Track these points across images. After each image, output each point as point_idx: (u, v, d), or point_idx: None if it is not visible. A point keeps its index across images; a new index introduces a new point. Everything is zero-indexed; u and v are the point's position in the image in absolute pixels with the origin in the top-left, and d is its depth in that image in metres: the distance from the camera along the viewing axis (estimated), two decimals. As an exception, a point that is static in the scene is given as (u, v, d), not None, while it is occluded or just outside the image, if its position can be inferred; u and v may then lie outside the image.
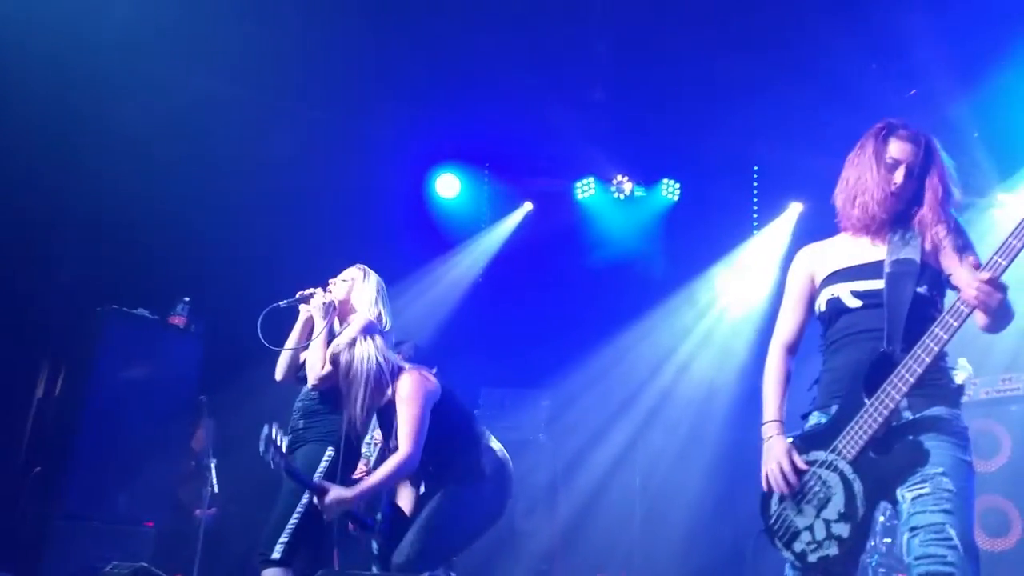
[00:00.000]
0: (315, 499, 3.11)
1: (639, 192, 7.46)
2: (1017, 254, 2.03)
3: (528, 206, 7.74)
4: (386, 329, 3.60)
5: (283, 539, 3.22)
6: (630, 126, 6.84)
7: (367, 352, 3.22)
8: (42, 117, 5.16)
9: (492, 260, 7.48)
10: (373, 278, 3.73)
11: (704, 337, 7.29)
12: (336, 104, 6.15)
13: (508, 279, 7.51)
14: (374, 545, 3.38)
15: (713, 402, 6.69)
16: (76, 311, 5.25)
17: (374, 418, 4.61)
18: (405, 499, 3.44)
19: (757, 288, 7.08)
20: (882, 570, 4.38)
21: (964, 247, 2.29)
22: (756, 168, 7.42)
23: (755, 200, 7.51)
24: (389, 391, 3.26)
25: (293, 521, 3.25)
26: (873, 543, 4.48)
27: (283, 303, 3.63)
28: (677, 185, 7.51)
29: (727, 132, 6.62)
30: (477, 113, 6.60)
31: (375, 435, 4.80)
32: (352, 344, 3.25)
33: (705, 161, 7.13)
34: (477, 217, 7.69)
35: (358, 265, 3.79)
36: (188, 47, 5.46)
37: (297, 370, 3.65)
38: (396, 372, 3.28)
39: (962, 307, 2.06)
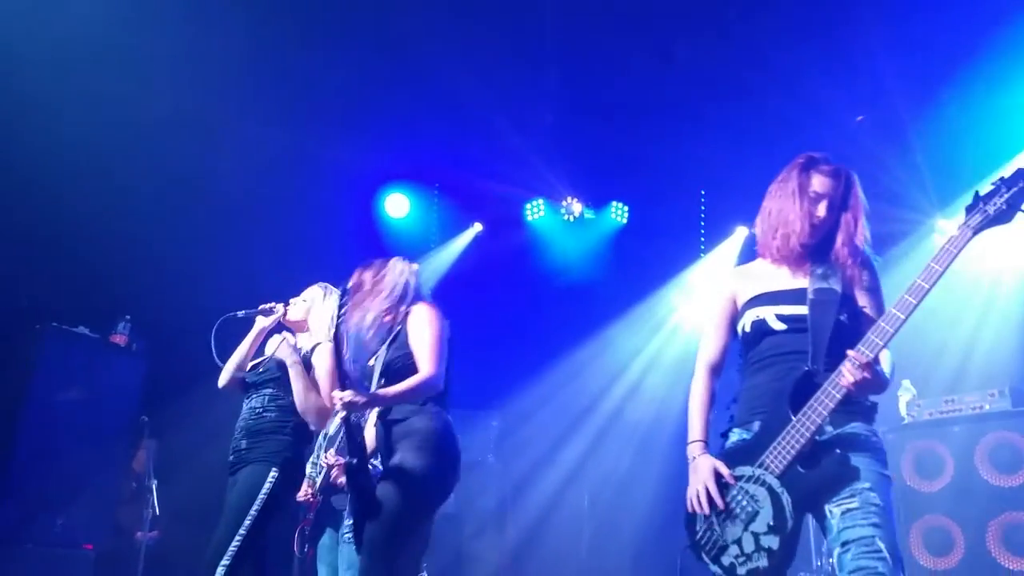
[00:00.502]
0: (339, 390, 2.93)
1: (588, 214, 7.56)
2: (915, 307, 2.14)
3: (478, 227, 7.78)
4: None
5: (225, 561, 3.15)
6: (580, 149, 6.95)
7: (404, 269, 3.37)
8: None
9: (441, 280, 7.49)
10: (334, 297, 3.72)
11: (653, 358, 7.40)
12: (285, 121, 6.11)
13: (457, 299, 7.52)
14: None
15: (662, 421, 6.77)
16: (14, 328, 5.12)
17: (337, 436, 4.60)
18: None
19: (704, 310, 7.19)
20: (830, 585, 4.48)
21: (873, 289, 2.41)
22: (703, 192, 7.59)
23: (702, 223, 7.67)
24: (403, 310, 3.21)
25: (237, 542, 3.18)
26: (819, 563, 4.58)
27: (240, 313, 3.62)
28: (626, 208, 7.63)
29: (675, 156, 6.74)
30: (427, 133, 6.63)
31: (324, 456, 4.77)
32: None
33: (654, 184, 7.25)
34: (426, 236, 7.70)
35: (320, 284, 3.78)
36: (132, 61, 5.37)
37: (242, 380, 3.61)
38: (415, 299, 3.27)
39: (839, 384, 2.16)
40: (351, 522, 4.50)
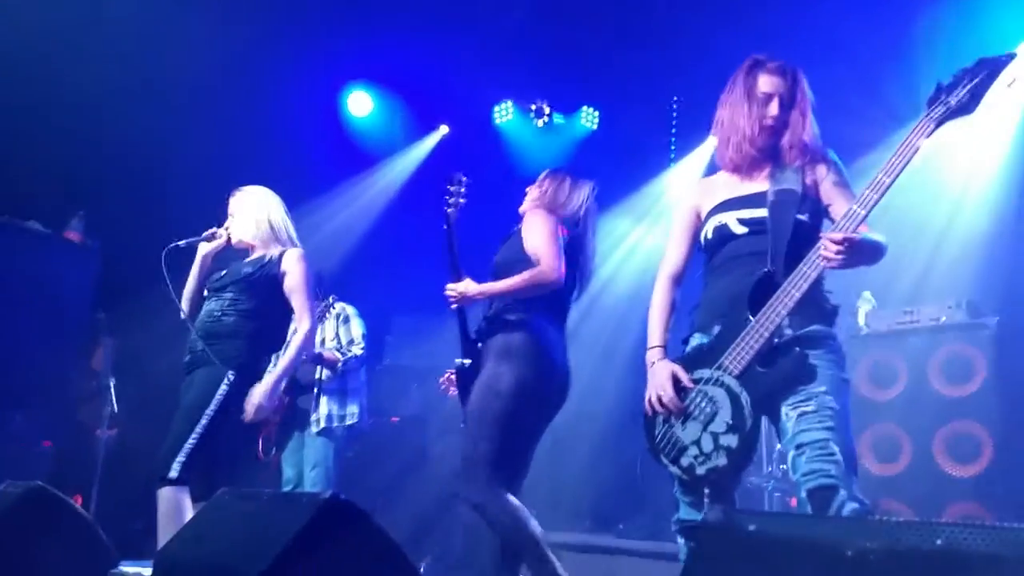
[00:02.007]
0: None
1: (558, 119, 7.40)
2: (877, 202, 2.12)
3: (444, 129, 7.59)
4: (292, 234, 3.62)
5: (180, 457, 3.17)
6: (550, 50, 6.72)
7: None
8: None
9: (407, 182, 7.34)
10: (271, 197, 3.67)
11: (617, 268, 7.41)
12: (244, 15, 5.81)
13: (423, 202, 7.41)
14: None
15: (624, 330, 6.83)
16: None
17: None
18: None
19: (669, 221, 7.18)
20: (777, 494, 4.64)
21: (841, 184, 2.40)
22: (675, 99, 7.45)
23: (673, 131, 7.56)
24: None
25: (192, 439, 3.20)
26: (770, 469, 4.72)
27: (182, 243, 3.55)
28: (596, 113, 7.48)
29: (648, 61, 6.58)
30: (391, 29, 6.35)
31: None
32: None
33: (626, 89, 7.09)
34: (391, 138, 7.49)
35: (240, 190, 3.69)
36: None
37: (199, 305, 3.58)
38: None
39: (817, 262, 2.16)
40: (317, 416, 4.54)
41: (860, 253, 2.17)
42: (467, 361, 3.08)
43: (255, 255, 3.57)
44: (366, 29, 6.35)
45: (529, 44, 6.57)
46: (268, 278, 3.47)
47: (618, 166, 7.32)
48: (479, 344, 3.10)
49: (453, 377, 3.27)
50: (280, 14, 6.03)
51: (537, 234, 3.06)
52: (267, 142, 6.19)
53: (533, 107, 7.35)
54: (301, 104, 6.74)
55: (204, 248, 3.61)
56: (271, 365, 4.44)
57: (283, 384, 3.47)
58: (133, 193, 5.69)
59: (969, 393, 4.19)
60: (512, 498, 2.83)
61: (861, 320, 4.71)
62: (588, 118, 7.46)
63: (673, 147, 7.51)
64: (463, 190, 3.19)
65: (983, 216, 5.11)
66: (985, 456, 4.05)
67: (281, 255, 3.52)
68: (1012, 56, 2.09)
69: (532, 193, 3.32)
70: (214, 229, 3.61)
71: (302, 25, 6.17)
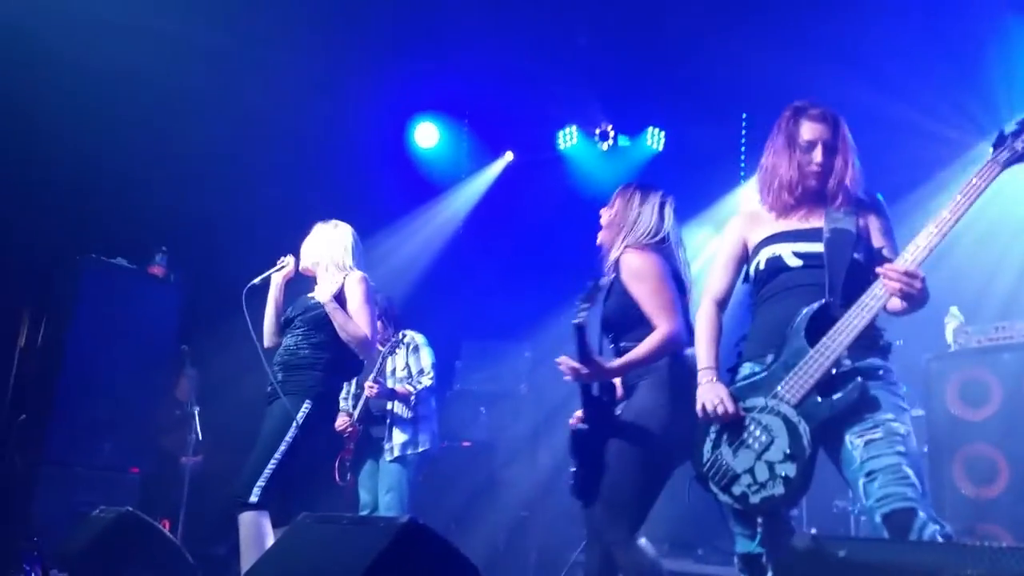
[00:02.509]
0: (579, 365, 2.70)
1: (623, 141, 7.37)
2: (944, 236, 2.14)
3: (509, 156, 7.65)
4: (350, 262, 3.71)
5: (260, 483, 3.26)
6: (614, 73, 6.73)
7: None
8: (10, 58, 5.04)
9: (473, 210, 7.41)
10: (340, 227, 3.79)
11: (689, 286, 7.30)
12: (313, 51, 6.01)
13: (489, 230, 7.46)
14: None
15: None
16: (55, 260, 5.20)
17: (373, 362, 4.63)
18: None
19: (716, 247, 7.03)
20: (863, 518, 4.46)
21: (886, 231, 2.43)
22: (745, 116, 7.34)
23: (743, 149, 7.45)
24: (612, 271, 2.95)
25: (272, 465, 3.30)
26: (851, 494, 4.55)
27: (257, 280, 3.71)
28: (662, 133, 7.43)
29: (714, 78, 6.51)
30: (456, 61, 6.48)
31: (351, 388, 4.83)
32: None
33: (692, 108, 7.02)
34: (457, 166, 7.59)
35: (324, 221, 3.82)
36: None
37: (281, 334, 3.72)
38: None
39: (880, 294, 2.16)
40: (391, 445, 4.60)
41: (918, 292, 2.14)
42: (583, 426, 2.88)
43: (318, 286, 3.68)
44: (432, 60, 6.48)
45: (592, 67, 6.60)
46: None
47: (686, 186, 7.24)
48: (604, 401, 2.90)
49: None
50: (347, 48, 6.22)
51: (646, 288, 2.81)
52: (337, 175, 6.37)
53: (597, 131, 7.36)
54: (370, 137, 6.91)
55: (276, 278, 3.75)
56: (346, 391, 4.58)
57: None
58: (211, 227, 5.91)
59: (1069, 412, 3.95)
60: (646, 545, 2.76)
61: (949, 337, 4.51)
62: (654, 139, 7.41)
63: (743, 163, 7.40)
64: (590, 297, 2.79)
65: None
66: (1086, 478, 3.81)
67: (343, 280, 3.62)
68: None
69: (605, 216, 3.18)
70: (282, 259, 3.76)
71: (369, 58, 6.34)
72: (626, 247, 2.95)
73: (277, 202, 5.79)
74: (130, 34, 5.30)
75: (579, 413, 2.96)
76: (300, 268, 3.75)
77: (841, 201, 2.41)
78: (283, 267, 3.74)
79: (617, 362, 2.78)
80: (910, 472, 2.10)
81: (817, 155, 2.42)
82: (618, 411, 2.89)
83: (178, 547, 3.60)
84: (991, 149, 2.19)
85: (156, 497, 5.15)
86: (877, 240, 2.40)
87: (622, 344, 2.86)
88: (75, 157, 5.43)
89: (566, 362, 2.71)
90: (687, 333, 2.76)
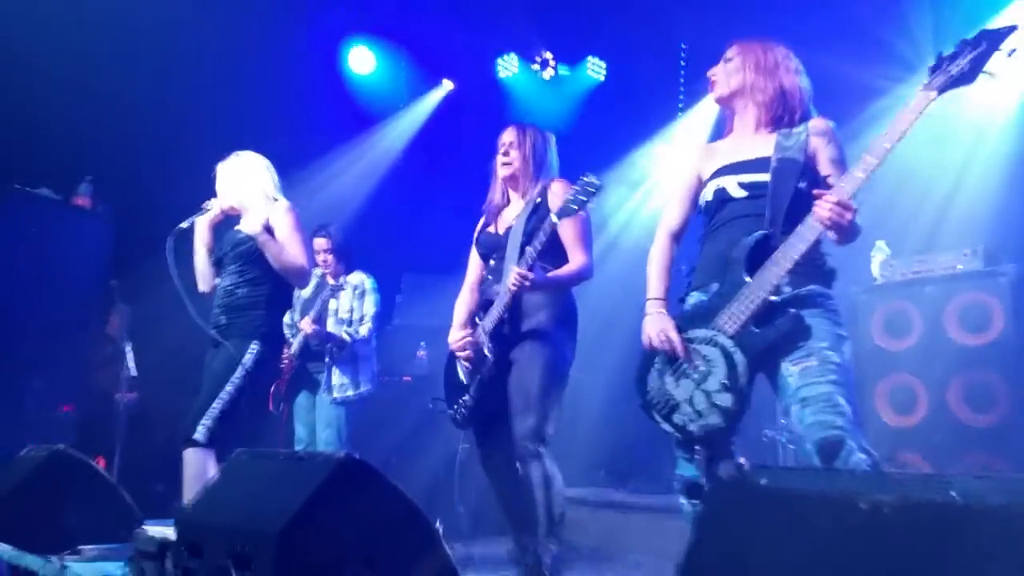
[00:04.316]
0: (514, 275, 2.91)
1: (563, 71, 7.29)
2: (876, 167, 2.15)
3: (448, 85, 7.49)
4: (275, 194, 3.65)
5: (206, 421, 3.26)
6: (555, 4, 6.59)
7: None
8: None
9: (412, 140, 7.27)
10: (252, 157, 3.70)
11: (628, 219, 7.35)
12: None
13: (429, 161, 7.34)
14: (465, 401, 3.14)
15: (635, 285, 6.79)
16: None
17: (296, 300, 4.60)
18: None
19: (670, 180, 7.10)
20: (792, 447, 4.62)
21: (837, 160, 2.44)
22: (684, 47, 7.31)
23: (682, 81, 7.43)
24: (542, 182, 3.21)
25: (218, 404, 3.30)
26: (784, 421, 4.69)
27: (184, 224, 3.60)
28: (603, 64, 7.36)
29: (654, 10, 6.46)
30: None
31: (293, 318, 4.78)
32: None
33: (632, 39, 6.96)
34: (395, 95, 7.40)
35: (231, 156, 3.72)
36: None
37: (216, 276, 3.67)
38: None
39: (813, 226, 2.19)
40: (331, 386, 4.60)
41: (848, 223, 2.17)
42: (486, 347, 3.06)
43: (245, 220, 3.60)
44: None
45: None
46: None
47: (627, 116, 7.22)
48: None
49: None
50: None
51: (578, 221, 3.07)
52: (268, 99, 6.13)
53: (538, 59, 7.24)
54: (302, 60, 6.64)
55: (201, 222, 3.67)
56: (288, 319, 4.51)
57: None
58: (140, 157, 5.66)
59: (987, 342, 4.09)
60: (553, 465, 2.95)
61: (875, 270, 4.64)
62: (595, 69, 7.34)
63: (682, 96, 7.40)
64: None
65: (997, 164, 5.01)
66: (1002, 406, 3.97)
67: (269, 213, 3.56)
68: (1013, 28, 2.12)
69: (513, 151, 3.27)
70: (206, 203, 3.66)
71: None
72: (553, 180, 3.19)
73: (207, 131, 5.56)
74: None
75: (459, 336, 3.20)
76: (225, 208, 3.66)
77: (792, 129, 2.46)
78: (208, 210, 3.65)
79: (551, 275, 3.02)
80: (842, 401, 2.15)
81: (804, 81, 2.53)
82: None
83: (114, 485, 3.54)
84: (928, 74, 2.18)
85: (90, 435, 5.05)
86: (825, 168, 2.42)
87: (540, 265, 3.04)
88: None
89: (515, 269, 2.88)
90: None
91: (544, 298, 3.06)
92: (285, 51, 6.34)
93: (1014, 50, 2.12)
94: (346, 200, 6.79)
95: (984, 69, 2.13)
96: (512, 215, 3.24)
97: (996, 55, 2.12)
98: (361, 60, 7.15)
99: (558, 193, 3.06)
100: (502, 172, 3.27)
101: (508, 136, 3.29)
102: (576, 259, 3.09)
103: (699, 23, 6.38)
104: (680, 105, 7.37)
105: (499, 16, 6.50)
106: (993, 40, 2.12)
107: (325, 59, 7.02)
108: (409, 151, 7.41)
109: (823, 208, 2.14)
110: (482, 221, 3.40)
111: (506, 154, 3.26)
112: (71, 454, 3.53)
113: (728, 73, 2.59)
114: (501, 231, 3.24)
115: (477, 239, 3.39)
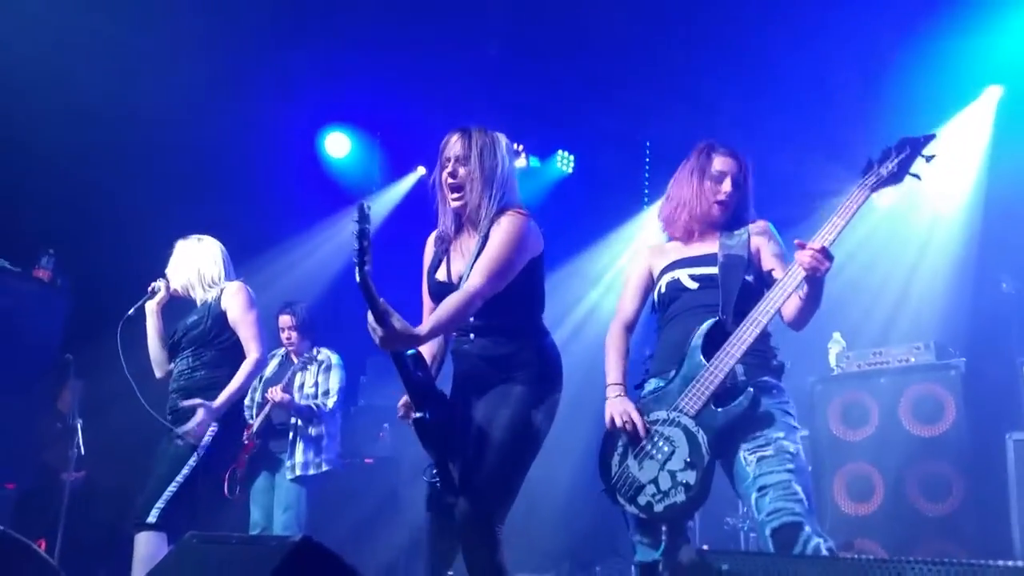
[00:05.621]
0: (375, 324, 2.32)
1: (534, 162, 7.49)
2: (840, 232, 2.35)
3: (421, 170, 7.63)
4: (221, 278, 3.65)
5: (160, 504, 3.21)
6: (525, 95, 6.82)
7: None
8: None
9: (384, 223, 7.34)
10: (207, 243, 3.74)
11: (592, 309, 7.43)
12: (220, 52, 5.82)
13: (400, 243, 7.37)
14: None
15: (598, 372, 6.80)
16: (-71, 260, 4.86)
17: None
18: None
19: (624, 274, 7.19)
20: (753, 535, 4.63)
21: (779, 255, 2.63)
22: (648, 144, 7.58)
23: (647, 175, 7.68)
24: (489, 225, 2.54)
25: (173, 487, 3.24)
26: (745, 509, 4.70)
27: (132, 311, 3.61)
28: (571, 157, 7.58)
29: (622, 106, 6.71)
30: (366, 72, 6.40)
31: (254, 398, 4.70)
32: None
33: (600, 134, 7.21)
34: (368, 178, 7.50)
35: (185, 238, 3.77)
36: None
37: (170, 360, 3.66)
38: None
39: (796, 272, 2.34)
40: (293, 463, 4.47)
41: (822, 275, 2.31)
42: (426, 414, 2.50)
43: (198, 303, 3.61)
44: (343, 72, 6.39)
45: (504, 87, 6.67)
46: (215, 321, 3.53)
47: (594, 207, 7.40)
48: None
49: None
50: (256, 49, 6.04)
51: (503, 253, 2.54)
52: (243, 182, 6.18)
53: (509, 150, 7.42)
54: (278, 143, 6.74)
55: (150, 307, 3.67)
56: (249, 399, 4.45)
57: (223, 410, 3.41)
58: (105, 233, 5.63)
59: (939, 433, 4.25)
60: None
61: (832, 361, 4.78)
62: (564, 162, 7.56)
63: (647, 190, 7.62)
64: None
65: (945, 262, 5.28)
66: (956, 494, 4.11)
67: (220, 294, 3.57)
68: (930, 137, 2.39)
69: (461, 169, 2.63)
70: (153, 284, 3.67)
71: (279, 61, 6.19)
72: (506, 212, 2.57)
73: (180, 209, 5.57)
74: (16, 22, 5.03)
75: (405, 400, 2.59)
76: (171, 291, 3.67)
77: (735, 229, 2.65)
78: (155, 293, 3.65)
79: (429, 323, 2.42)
80: (799, 489, 2.25)
81: (726, 186, 2.64)
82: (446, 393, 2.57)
83: (55, 569, 3.39)
84: (860, 175, 2.42)
85: (33, 515, 4.84)
86: (768, 263, 2.60)
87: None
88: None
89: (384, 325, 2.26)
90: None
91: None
92: (263, 131, 6.44)
93: (932, 156, 2.36)
94: (316, 279, 6.81)
95: (911, 171, 2.36)
96: (464, 255, 2.64)
97: (919, 160, 2.36)
98: (337, 144, 7.29)
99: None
100: (452, 204, 2.61)
101: (455, 147, 2.61)
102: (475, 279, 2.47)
103: (663, 120, 6.63)
104: (645, 199, 7.59)
105: (471, 106, 6.70)
106: (914, 146, 2.37)
107: (302, 141, 7.14)
108: (380, 233, 7.46)
109: (805, 255, 2.29)
110: (430, 257, 2.79)
111: (453, 175, 2.59)
112: (10, 535, 3.37)
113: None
114: (454, 278, 2.63)
115: (428, 286, 2.76)
